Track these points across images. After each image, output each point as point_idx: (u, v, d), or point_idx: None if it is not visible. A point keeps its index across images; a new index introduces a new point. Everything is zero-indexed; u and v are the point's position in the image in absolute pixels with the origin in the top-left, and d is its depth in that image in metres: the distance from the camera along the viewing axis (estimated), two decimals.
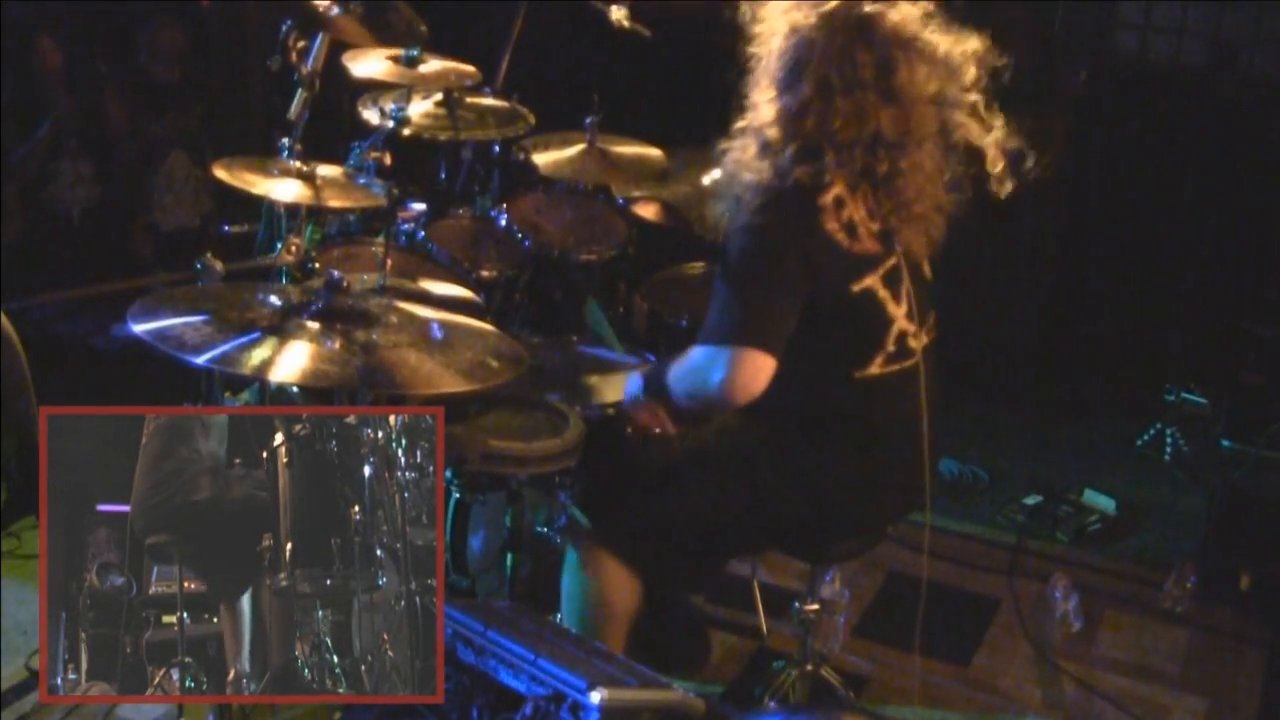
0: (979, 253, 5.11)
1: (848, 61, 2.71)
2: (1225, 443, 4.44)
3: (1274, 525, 4.17)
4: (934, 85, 2.80)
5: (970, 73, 2.83)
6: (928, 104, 2.79)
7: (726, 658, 3.74)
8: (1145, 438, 5.14)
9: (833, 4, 2.75)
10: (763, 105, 2.81)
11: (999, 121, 2.87)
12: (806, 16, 2.76)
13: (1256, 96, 5.15)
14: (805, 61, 2.74)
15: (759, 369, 2.69)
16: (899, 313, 2.85)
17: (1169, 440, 5.07)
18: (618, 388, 3.35)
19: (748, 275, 2.75)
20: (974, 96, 2.85)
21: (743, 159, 2.82)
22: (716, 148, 2.90)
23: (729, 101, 2.93)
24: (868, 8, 2.76)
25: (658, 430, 3.04)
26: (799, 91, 2.74)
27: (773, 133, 2.78)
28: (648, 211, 4.07)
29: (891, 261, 2.83)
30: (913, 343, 2.88)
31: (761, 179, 2.77)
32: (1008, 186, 2.91)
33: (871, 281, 2.80)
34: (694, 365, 2.80)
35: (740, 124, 2.86)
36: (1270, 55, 5.17)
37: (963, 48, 2.83)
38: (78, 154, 4.84)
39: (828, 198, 2.75)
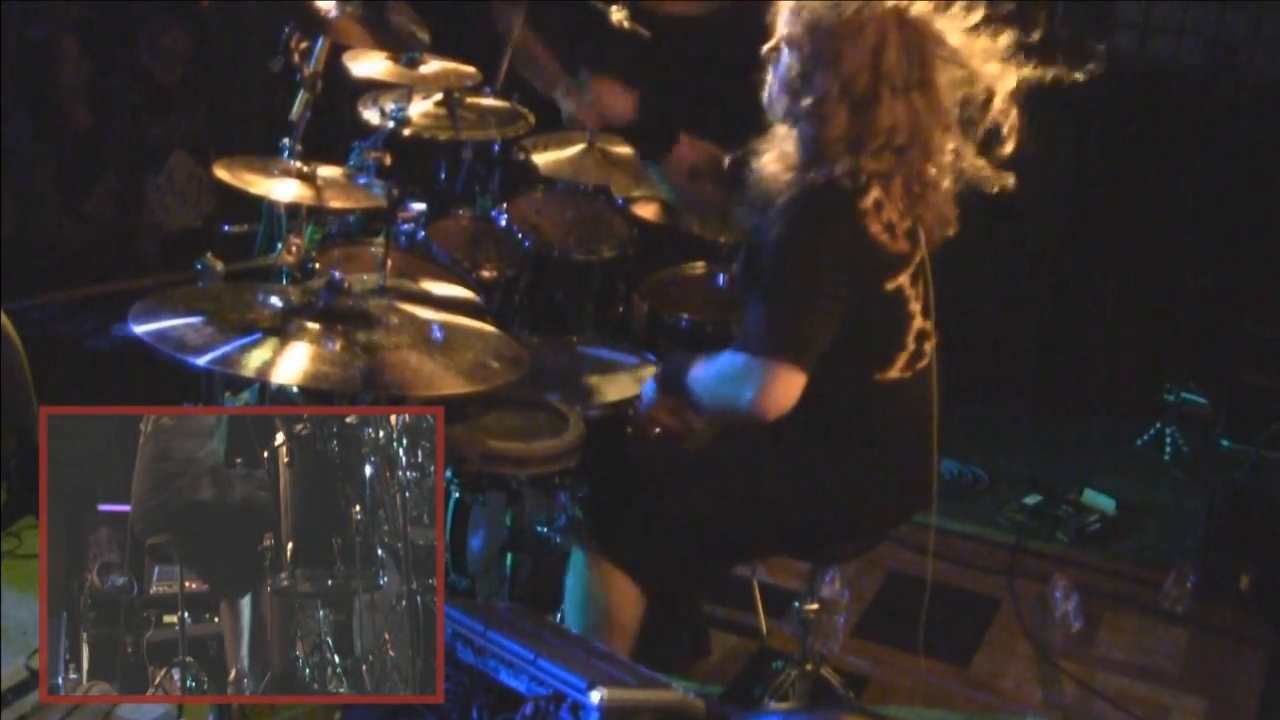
0: (979, 253, 5.11)
1: (876, 57, 2.68)
2: (1225, 443, 4.45)
3: (1274, 525, 4.17)
4: (952, 77, 2.80)
5: (986, 67, 2.83)
6: (951, 95, 2.79)
7: (726, 658, 3.74)
8: (1145, 438, 5.14)
9: (869, 4, 2.71)
10: (818, 116, 2.74)
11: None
12: (841, 17, 2.71)
13: (1256, 96, 5.15)
14: (828, 61, 2.70)
15: (791, 385, 2.66)
16: (918, 309, 2.85)
17: (1169, 440, 5.07)
18: (618, 387, 3.35)
19: (788, 289, 2.71)
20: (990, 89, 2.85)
21: (782, 160, 2.79)
22: (749, 147, 2.87)
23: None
24: (900, 6, 2.73)
25: (680, 430, 3.00)
26: (873, 111, 2.70)
27: (822, 135, 2.73)
28: (648, 211, 4.07)
29: (918, 259, 2.83)
30: (926, 344, 2.88)
31: (803, 183, 2.74)
32: (1008, 180, 2.90)
33: (903, 280, 2.80)
34: (726, 375, 2.76)
35: (781, 130, 2.83)
36: (1270, 55, 5.17)
37: (982, 43, 2.83)
38: (106, 169, 4.85)
39: (868, 201, 2.73)
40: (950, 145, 2.82)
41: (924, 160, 2.77)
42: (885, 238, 2.74)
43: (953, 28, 2.78)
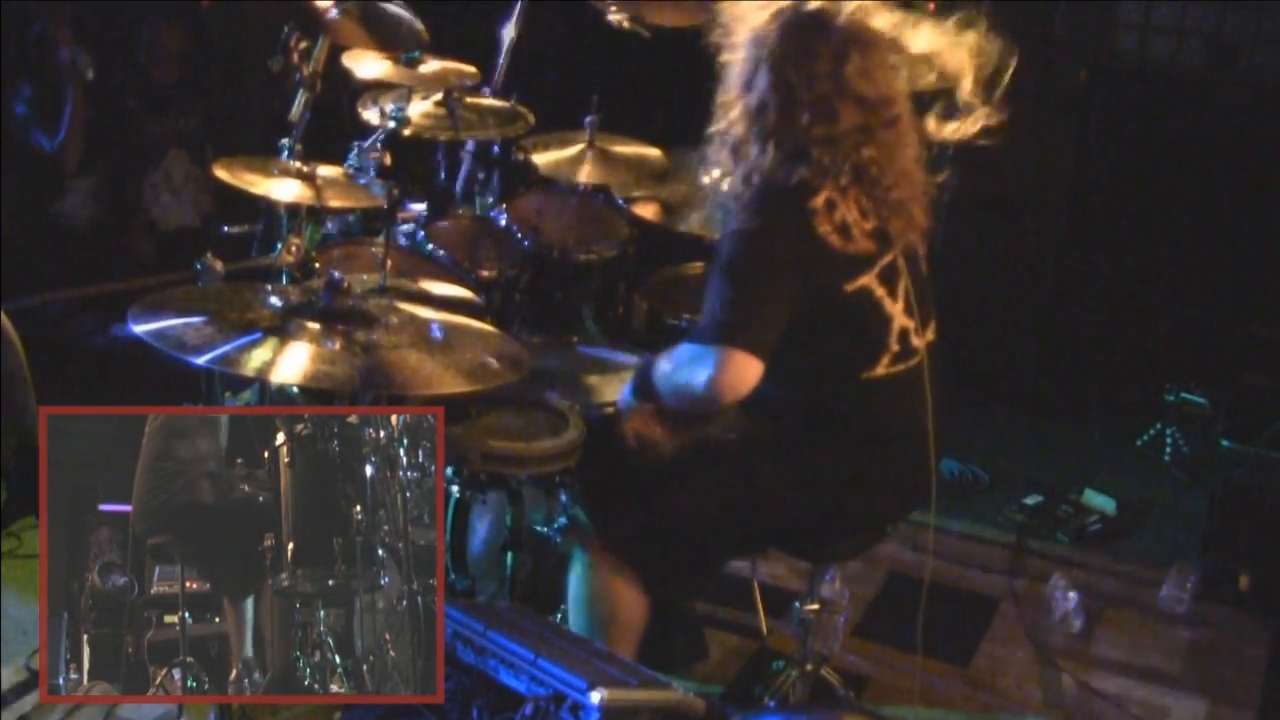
0: (979, 253, 5.12)
1: (803, 56, 2.75)
2: (1225, 443, 4.44)
3: (1274, 525, 4.17)
4: (896, 74, 2.82)
5: (943, 64, 2.86)
6: (893, 92, 2.81)
7: (726, 658, 3.74)
8: (1145, 438, 5.14)
9: (785, 4, 2.80)
10: (728, 109, 2.85)
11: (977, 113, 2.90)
12: (761, 18, 2.81)
13: (1256, 96, 5.15)
14: (762, 61, 2.79)
15: (745, 370, 2.71)
16: (897, 310, 2.86)
17: (1169, 440, 5.07)
18: (617, 388, 3.35)
19: (739, 277, 2.76)
20: (954, 85, 2.88)
21: (721, 164, 2.86)
22: (698, 154, 2.93)
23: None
24: (818, 5, 2.79)
25: (652, 436, 3.03)
26: (759, 90, 2.78)
27: (739, 132, 2.82)
28: (648, 211, 4.07)
29: (887, 259, 2.84)
30: (916, 340, 2.89)
31: (748, 182, 2.80)
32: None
33: (866, 280, 2.81)
34: (681, 363, 2.83)
35: (710, 129, 2.90)
36: (1270, 55, 5.17)
37: (930, 40, 2.86)
38: (89, 171, 4.83)
39: (819, 200, 2.76)
40: (902, 133, 2.83)
41: (864, 148, 2.77)
42: (836, 238, 2.77)
43: (875, 15, 2.82)
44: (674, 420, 3.01)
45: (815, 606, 3.27)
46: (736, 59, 2.84)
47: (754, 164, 2.80)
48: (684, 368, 2.81)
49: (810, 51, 2.75)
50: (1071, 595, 4.03)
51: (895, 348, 2.86)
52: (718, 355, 2.72)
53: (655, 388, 2.92)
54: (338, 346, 2.51)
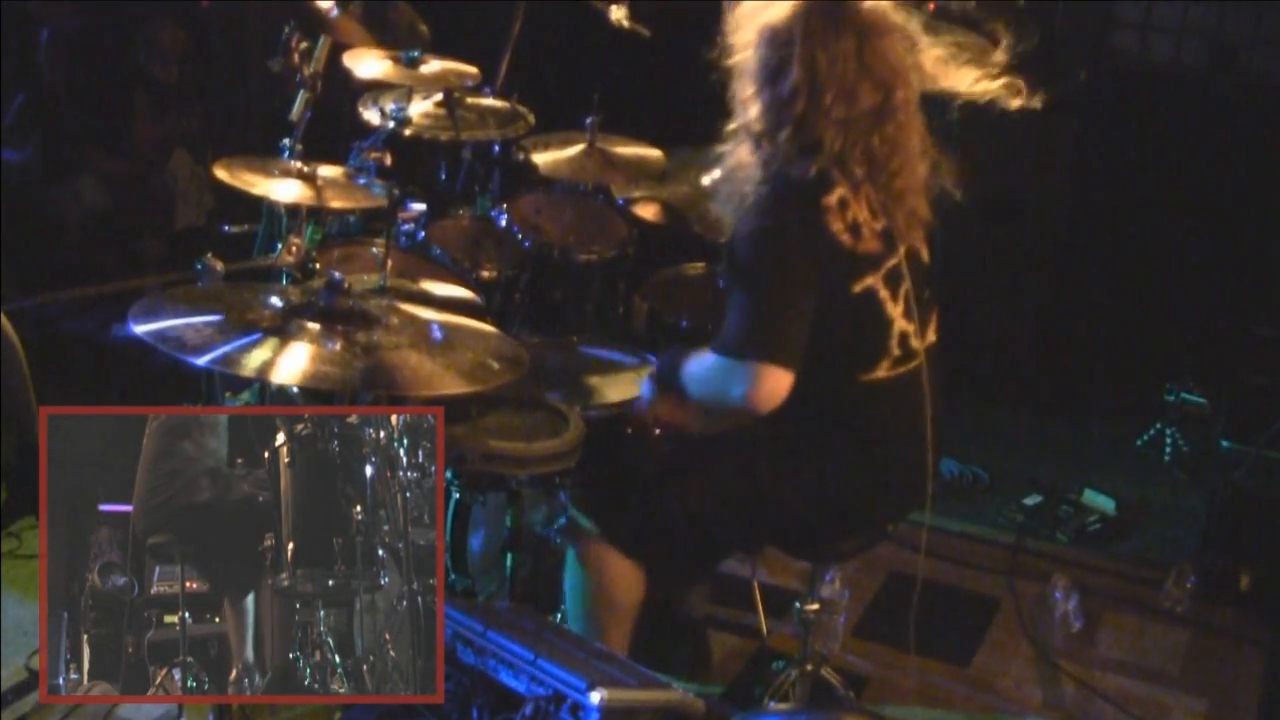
0: (979, 253, 5.11)
1: (829, 37, 2.75)
2: (1225, 443, 4.44)
3: (1274, 525, 4.17)
4: (909, 59, 2.83)
5: (948, 59, 2.89)
6: (906, 76, 2.82)
7: (726, 658, 3.74)
8: (1145, 438, 5.14)
9: (799, 2, 2.81)
10: (749, 104, 2.85)
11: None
12: (779, 14, 2.81)
13: (1256, 96, 5.15)
14: (790, 48, 2.78)
15: (779, 383, 2.71)
16: (897, 312, 2.86)
17: (1169, 440, 5.07)
18: (618, 388, 3.35)
19: (762, 284, 2.76)
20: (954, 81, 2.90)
21: (739, 159, 2.87)
22: (713, 151, 2.93)
23: (727, 102, 2.96)
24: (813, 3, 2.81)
25: (680, 425, 3.03)
26: (788, 78, 2.77)
27: (761, 125, 2.82)
28: (648, 211, 4.07)
29: (893, 261, 2.84)
30: (915, 343, 2.89)
31: (763, 178, 2.80)
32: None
33: (872, 281, 2.81)
34: (713, 375, 2.82)
35: (731, 126, 2.90)
36: (1270, 55, 5.17)
37: (942, 38, 2.89)
38: (86, 186, 4.83)
39: (832, 198, 2.76)
40: (910, 125, 2.84)
41: (871, 135, 2.78)
42: (847, 237, 2.78)
43: (890, 10, 2.84)
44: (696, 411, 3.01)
45: (815, 606, 3.27)
46: (751, 56, 2.84)
47: (772, 154, 2.80)
48: (716, 380, 2.80)
49: (835, 33, 2.75)
50: (1072, 595, 4.03)
51: (896, 351, 2.86)
52: (750, 370, 2.71)
53: (684, 388, 2.91)
54: (338, 347, 2.51)
